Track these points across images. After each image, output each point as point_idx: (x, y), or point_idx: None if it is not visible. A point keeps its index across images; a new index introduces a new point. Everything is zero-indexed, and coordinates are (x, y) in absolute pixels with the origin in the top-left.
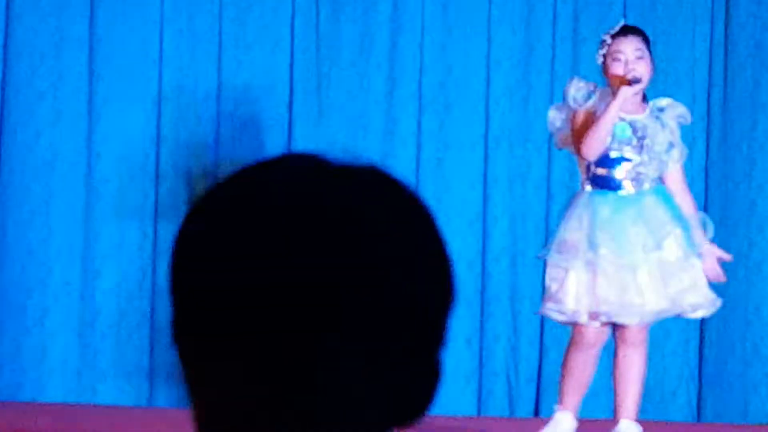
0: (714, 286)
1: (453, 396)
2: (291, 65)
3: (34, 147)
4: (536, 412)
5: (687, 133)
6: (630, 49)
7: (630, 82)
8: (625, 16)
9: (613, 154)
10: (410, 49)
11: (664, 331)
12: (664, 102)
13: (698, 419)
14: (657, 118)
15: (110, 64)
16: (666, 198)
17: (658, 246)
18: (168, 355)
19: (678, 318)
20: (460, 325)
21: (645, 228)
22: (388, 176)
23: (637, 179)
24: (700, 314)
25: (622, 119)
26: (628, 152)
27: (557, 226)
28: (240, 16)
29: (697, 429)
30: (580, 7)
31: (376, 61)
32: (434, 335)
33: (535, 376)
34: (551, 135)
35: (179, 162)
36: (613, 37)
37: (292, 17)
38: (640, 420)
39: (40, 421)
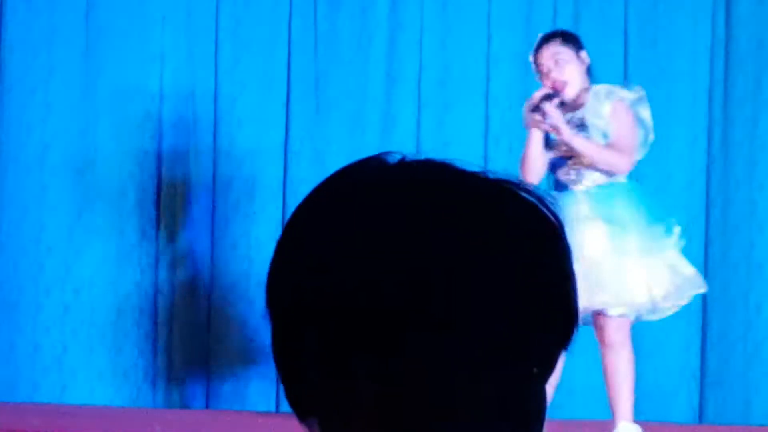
0: (716, 287)
1: None
2: (288, 63)
3: (27, 142)
4: None
5: (688, 133)
6: (546, 57)
7: (535, 109)
8: (625, 15)
9: (554, 156)
10: (409, 47)
11: (666, 331)
12: (601, 89)
13: (700, 420)
14: (595, 107)
15: (105, 61)
16: (615, 194)
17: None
18: (165, 356)
19: (678, 319)
20: None
21: (575, 224)
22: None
23: (579, 173)
24: (614, 312)
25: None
26: (566, 152)
27: None
28: (237, 13)
29: (699, 430)
30: (580, 5)
31: (375, 59)
32: (547, 364)
33: None
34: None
35: (176, 158)
36: (534, 53)
37: (290, 15)
38: (641, 421)
39: (34, 422)
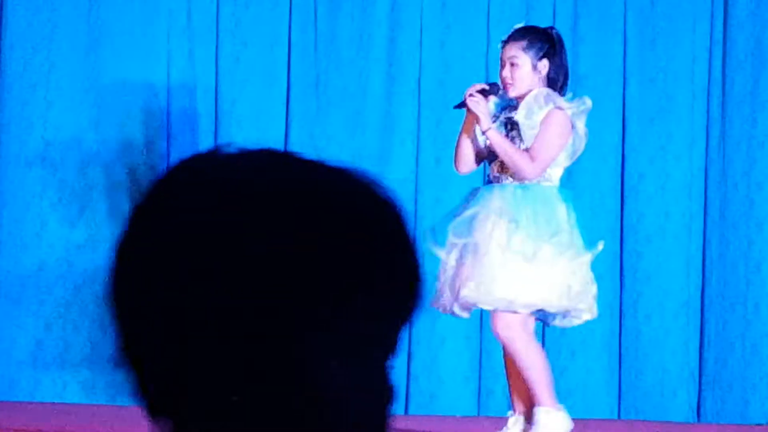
0: (714, 286)
1: (453, 396)
2: (288, 63)
3: (28, 138)
4: None
5: (686, 132)
6: (507, 54)
7: (484, 92)
8: (624, 15)
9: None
10: (409, 47)
11: (664, 330)
12: (542, 93)
13: (698, 419)
14: (531, 108)
15: (107, 58)
16: (534, 197)
17: (468, 233)
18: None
19: (677, 318)
20: (460, 324)
21: (482, 218)
22: (356, 175)
23: (502, 170)
24: (486, 307)
25: (496, 116)
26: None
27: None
28: (237, 13)
29: (697, 429)
30: (579, 5)
31: (375, 59)
32: (392, 340)
33: None
34: None
35: (175, 156)
36: (502, 42)
37: (290, 15)
38: (641, 420)
39: (36, 420)
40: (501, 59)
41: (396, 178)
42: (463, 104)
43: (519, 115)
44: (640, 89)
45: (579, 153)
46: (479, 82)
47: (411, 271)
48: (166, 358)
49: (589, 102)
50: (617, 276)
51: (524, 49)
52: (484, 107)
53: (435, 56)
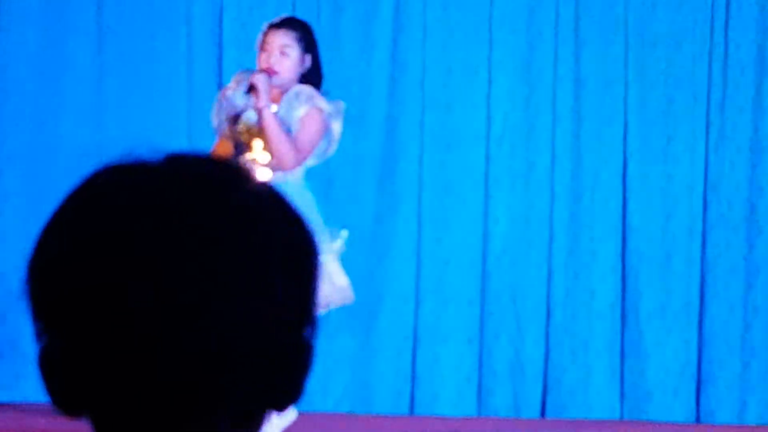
0: (715, 288)
1: (453, 396)
2: None
3: (32, 139)
4: (543, 413)
5: (687, 135)
6: (276, 41)
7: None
8: (625, 18)
9: (244, 139)
10: (412, 49)
11: (665, 331)
12: (304, 91)
13: (697, 420)
14: (291, 104)
15: (113, 62)
16: (287, 192)
17: None
18: None
19: (677, 319)
20: (461, 324)
21: None
22: (220, 166)
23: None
24: None
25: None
26: (255, 141)
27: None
28: (241, 17)
29: (697, 429)
30: (581, 7)
31: (378, 62)
32: (298, 311)
33: (540, 377)
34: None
35: None
36: (269, 26)
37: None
38: (640, 420)
39: (36, 420)
40: (265, 44)
41: (400, 180)
42: (252, 88)
43: (281, 110)
44: (641, 92)
45: (329, 154)
46: (481, 84)
47: (301, 240)
48: (74, 350)
49: (342, 106)
50: (619, 277)
51: (297, 40)
52: (265, 84)
53: (438, 59)
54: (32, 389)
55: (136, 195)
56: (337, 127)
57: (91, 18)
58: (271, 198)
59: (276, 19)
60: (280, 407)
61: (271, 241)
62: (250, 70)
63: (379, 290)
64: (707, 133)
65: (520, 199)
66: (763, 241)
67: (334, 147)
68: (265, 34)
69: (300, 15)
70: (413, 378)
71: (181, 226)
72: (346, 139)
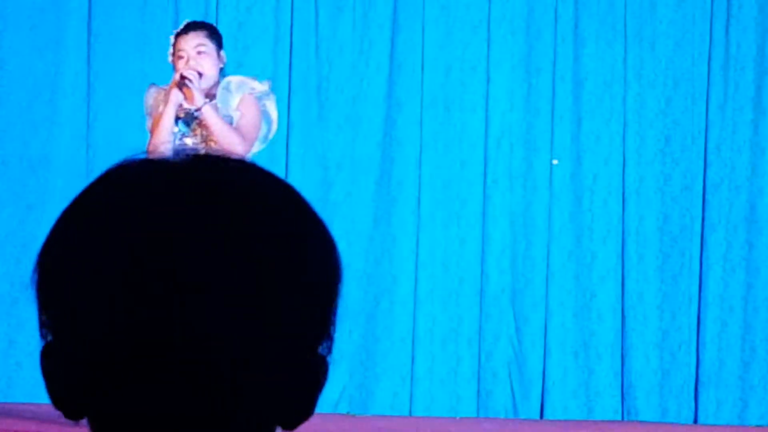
0: (714, 288)
1: (453, 396)
2: (290, 67)
3: (30, 141)
4: (542, 414)
5: (686, 134)
6: (190, 45)
7: (178, 85)
8: (625, 18)
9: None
10: (410, 50)
11: (663, 332)
12: (233, 80)
13: (696, 420)
14: (226, 98)
15: (108, 63)
16: None
17: None
18: None
19: (676, 320)
20: (460, 325)
21: None
22: (254, 168)
23: None
24: None
25: (188, 111)
26: (192, 143)
27: None
28: (239, 18)
29: (696, 430)
30: (581, 7)
31: (376, 63)
32: (317, 327)
33: (539, 377)
34: (147, 115)
35: None
36: (176, 36)
37: (291, 20)
38: (639, 421)
39: (37, 421)
40: (178, 51)
41: (398, 181)
42: (183, 83)
43: (219, 105)
44: (641, 92)
45: (271, 137)
46: (479, 84)
47: (326, 252)
48: (80, 349)
49: (270, 84)
50: (619, 278)
51: (209, 38)
52: (198, 84)
53: (436, 60)
54: (33, 390)
55: (155, 192)
56: (271, 106)
57: (82, 21)
58: (297, 205)
59: (181, 27)
60: (292, 425)
61: (297, 255)
62: (160, 86)
63: (379, 291)
64: (707, 133)
65: (519, 200)
66: (763, 241)
67: (274, 128)
68: (175, 43)
69: (298, 16)
70: (412, 379)
71: (202, 232)
72: (345, 139)
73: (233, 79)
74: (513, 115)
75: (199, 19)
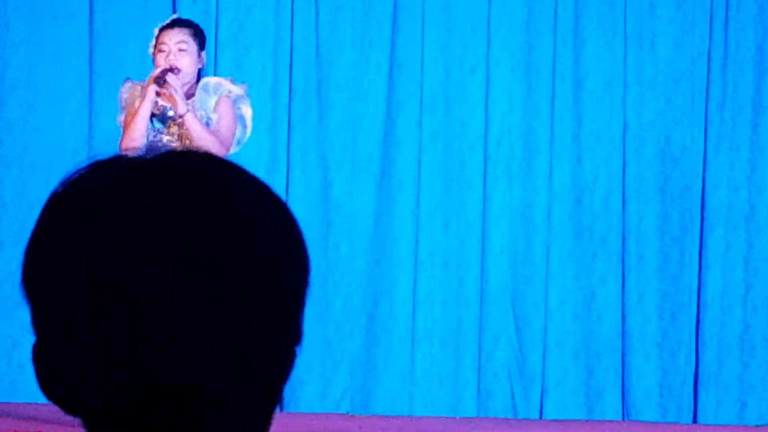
0: (714, 288)
1: (453, 396)
2: (290, 67)
3: (31, 142)
4: (541, 414)
5: (685, 134)
6: (173, 40)
7: (156, 81)
8: (624, 17)
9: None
10: (410, 50)
11: (662, 332)
12: (210, 82)
13: (696, 420)
14: (203, 99)
15: (110, 64)
16: None
17: None
18: None
19: (675, 319)
20: (460, 325)
21: None
22: (218, 162)
23: None
24: None
25: (163, 109)
26: (167, 140)
27: None
28: (239, 18)
29: (695, 430)
30: (580, 7)
31: (376, 63)
32: (287, 321)
33: (539, 377)
34: (121, 109)
35: None
36: (161, 29)
37: (292, 21)
38: (639, 421)
39: (37, 421)
40: (160, 44)
41: (398, 181)
42: (163, 80)
43: (197, 105)
44: (641, 92)
45: (244, 140)
46: (479, 85)
47: (296, 248)
48: (72, 343)
49: (246, 88)
50: (619, 278)
51: (192, 36)
52: (179, 90)
53: (436, 60)
54: (33, 390)
55: (132, 191)
56: (246, 110)
57: (84, 23)
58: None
59: (167, 21)
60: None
61: (270, 251)
62: (136, 81)
63: (378, 291)
64: (706, 132)
65: (519, 200)
66: (762, 241)
67: (248, 132)
68: (158, 36)
69: (298, 16)
70: (412, 379)
71: (181, 227)
72: (345, 139)
73: (211, 80)
74: (513, 115)
75: (199, 19)
